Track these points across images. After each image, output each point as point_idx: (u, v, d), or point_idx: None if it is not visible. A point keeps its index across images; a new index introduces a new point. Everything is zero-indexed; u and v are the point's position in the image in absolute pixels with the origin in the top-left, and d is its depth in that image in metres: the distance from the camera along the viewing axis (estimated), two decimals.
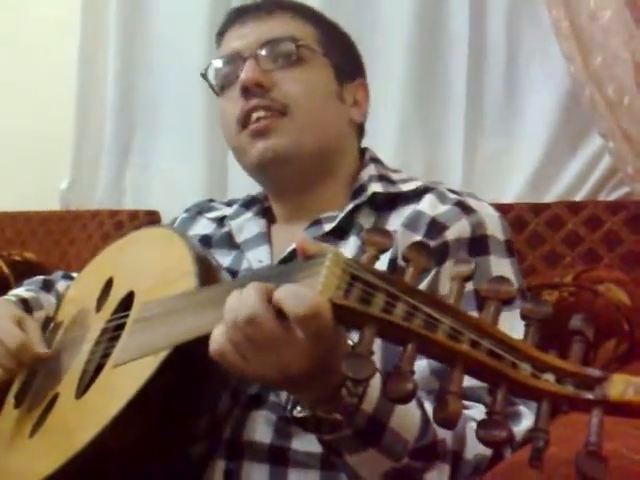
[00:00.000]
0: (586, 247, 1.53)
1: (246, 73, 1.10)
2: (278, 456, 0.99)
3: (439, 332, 0.62)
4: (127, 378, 0.90)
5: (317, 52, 1.14)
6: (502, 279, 0.64)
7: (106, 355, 1.01)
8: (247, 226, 1.19)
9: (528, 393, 0.62)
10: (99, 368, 1.01)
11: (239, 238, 1.18)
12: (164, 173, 2.18)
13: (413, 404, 0.81)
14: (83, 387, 1.01)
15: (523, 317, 0.65)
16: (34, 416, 1.08)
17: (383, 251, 0.67)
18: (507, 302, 0.64)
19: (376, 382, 0.77)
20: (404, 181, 1.14)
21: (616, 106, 1.47)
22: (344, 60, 1.18)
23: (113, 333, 1.04)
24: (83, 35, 2.14)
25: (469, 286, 0.82)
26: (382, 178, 1.14)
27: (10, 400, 1.17)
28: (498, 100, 1.76)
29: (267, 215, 1.21)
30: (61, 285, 1.33)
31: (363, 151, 1.22)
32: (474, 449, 0.86)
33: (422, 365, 0.93)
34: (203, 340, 0.79)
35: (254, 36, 1.13)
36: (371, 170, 1.15)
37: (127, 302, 1.05)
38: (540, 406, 0.62)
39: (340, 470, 0.87)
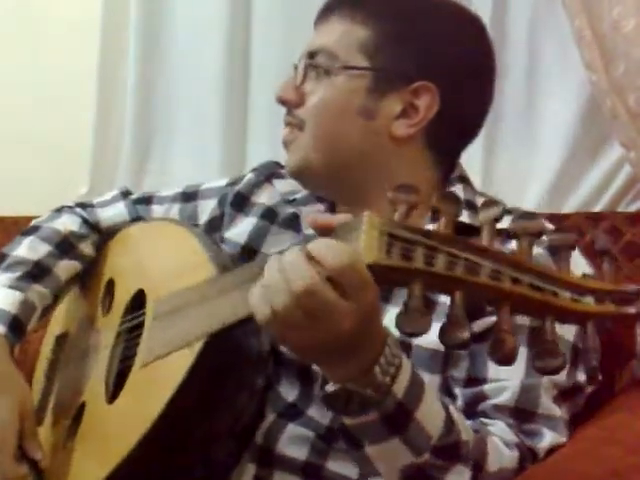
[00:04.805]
0: None
1: (279, 89, 1.08)
2: (312, 474, 0.97)
3: (482, 275, 0.64)
4: (163, 375, 0.91)
5: (350, 63, 1.04)
6: (531, 214, 0.67)
7: (127, 357, 1.02)
8: None
9: (574, 318, 0.65)
10: (123, 371, 1.01)
11: (307, 229, 1.09)
12: (182, 180, 2.14)
13: (438, 404, 0.81)
14: (112, 392, 1.01)
15: (552, 248, 0.68)
16: (63, 428, 1.08)
17: (413, 206, 0.69)
18: (537, 236, 0.67)
19: (407, 367, 0.77)
20: None
21: (638, 116, 1.43)
22: (402, 62, 1.03)
23: (130, 334, 1.04)
24: (103, 41, 2.09)
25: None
26: (469, 205, 1.03)
27: None
28: (517, 109, 1.71)
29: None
30: (62, 266, 1.18)
31: (452, 163, 1.10)
32: (496, 463, 0.86)
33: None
34: (238, 324, 0.80)
35: (306, 46, 1.09)
36: (458, 191, 1.05)
37: (138, 301, 1.05)
38: (585, 329, 0.65)
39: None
